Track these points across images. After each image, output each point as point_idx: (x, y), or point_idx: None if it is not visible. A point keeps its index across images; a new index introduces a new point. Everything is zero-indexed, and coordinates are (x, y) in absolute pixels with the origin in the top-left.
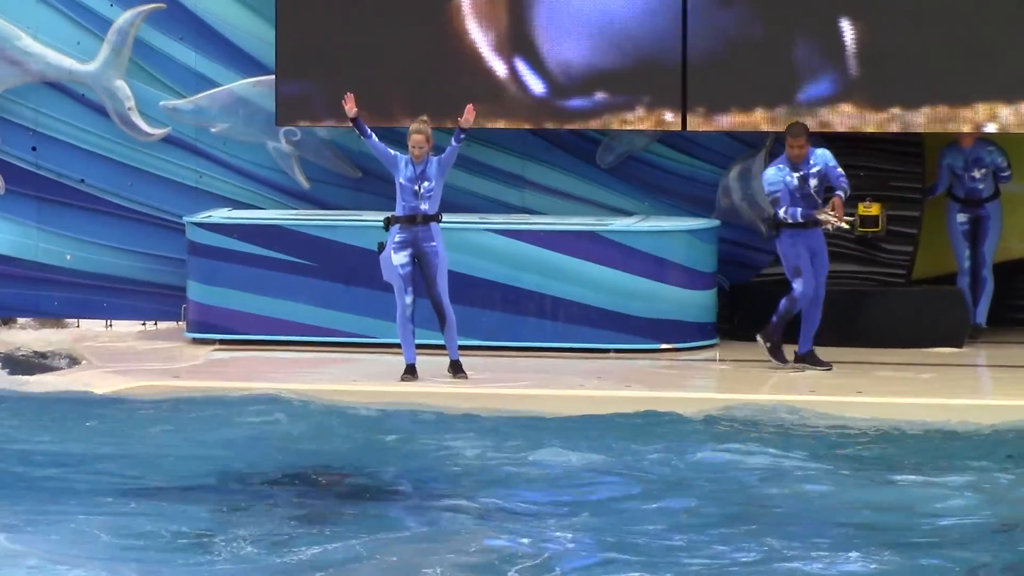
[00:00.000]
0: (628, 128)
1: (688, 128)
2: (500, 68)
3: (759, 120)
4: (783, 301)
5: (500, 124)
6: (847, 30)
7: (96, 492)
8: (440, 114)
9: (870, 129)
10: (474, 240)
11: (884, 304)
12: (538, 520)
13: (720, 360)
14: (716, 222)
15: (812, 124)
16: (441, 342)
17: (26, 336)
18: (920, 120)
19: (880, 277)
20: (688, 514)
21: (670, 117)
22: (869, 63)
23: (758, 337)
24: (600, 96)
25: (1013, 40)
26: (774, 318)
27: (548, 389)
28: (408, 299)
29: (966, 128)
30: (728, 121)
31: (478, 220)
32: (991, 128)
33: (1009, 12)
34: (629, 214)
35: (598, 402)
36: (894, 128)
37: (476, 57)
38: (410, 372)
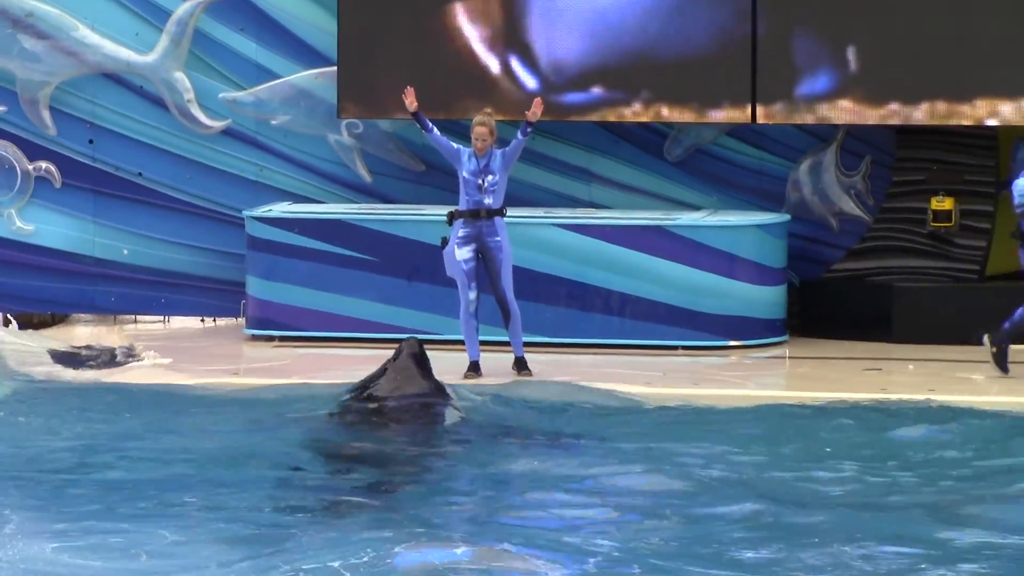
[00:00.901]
0: (696, 121)
1: (757, 121)
2: (566, 59)
3: (830, 112)
4: (1019, 310)
5: (566, 116)
6: (927, 21)
7: (150, 489)
8: (505, 107)
9: (950, 122)
10: (539, 235)
11: (956, 301)
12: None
13: (789, 357)
14: (786, 217)
15: (880, 116)
16: (505, 338)
17: (83, 332)
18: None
19: (952, 273)
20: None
21: (739, 109)
22: (951, 55)
23: (984, 338)
24: (667, 88)
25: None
26: (1007, 324)
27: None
28: (471, 295)
29: None
30: (798, 114)
31: (543, 214)
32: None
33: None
34: (697, 208)
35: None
36: (963, 121)
37: (541, 48)
38: (473, 369)
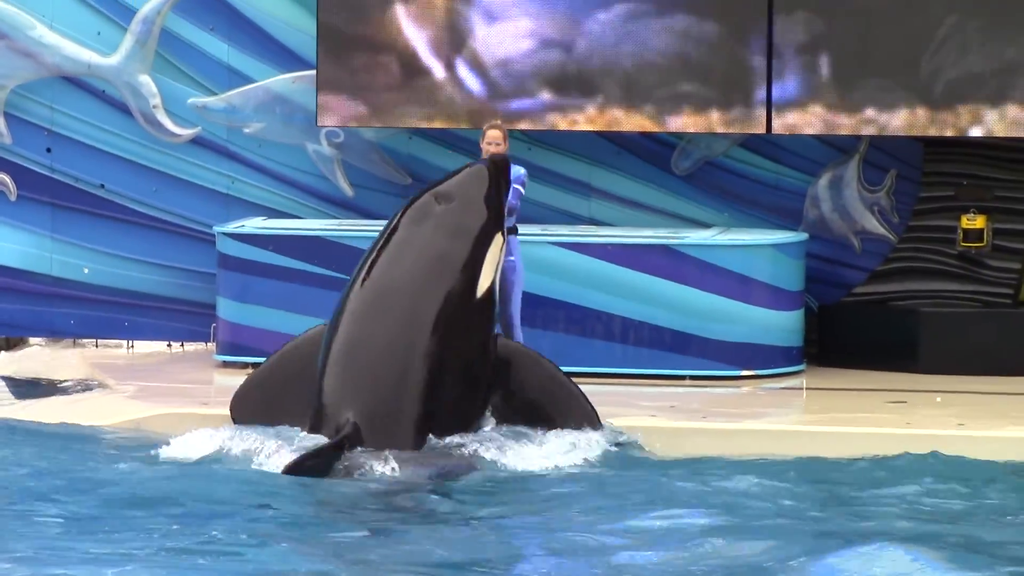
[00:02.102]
0: (707, 131)
1: (773, 131)
2: (565, 64)
3: (852, 122)
4: None
5: (564, 126)
6: (958, 26)
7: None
8: (501, 113)
9: (981, 134)
10: (535, 254)
11: (988, 327)
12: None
13: (806, 388)
14: (804, 235)
15: (905, 127)
16: None
17: (39, 358)
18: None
19: (984, 297)
20: None
21: (753, 119)
22: (983, 62)
23: None
24: (675, 95)
25: None
26: None
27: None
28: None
29: None
30: (817, 124)
31: (540, 232)
32: None
33: None
34: (707, 226)
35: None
36: (995, 132)
37: (538, 52)
38: None
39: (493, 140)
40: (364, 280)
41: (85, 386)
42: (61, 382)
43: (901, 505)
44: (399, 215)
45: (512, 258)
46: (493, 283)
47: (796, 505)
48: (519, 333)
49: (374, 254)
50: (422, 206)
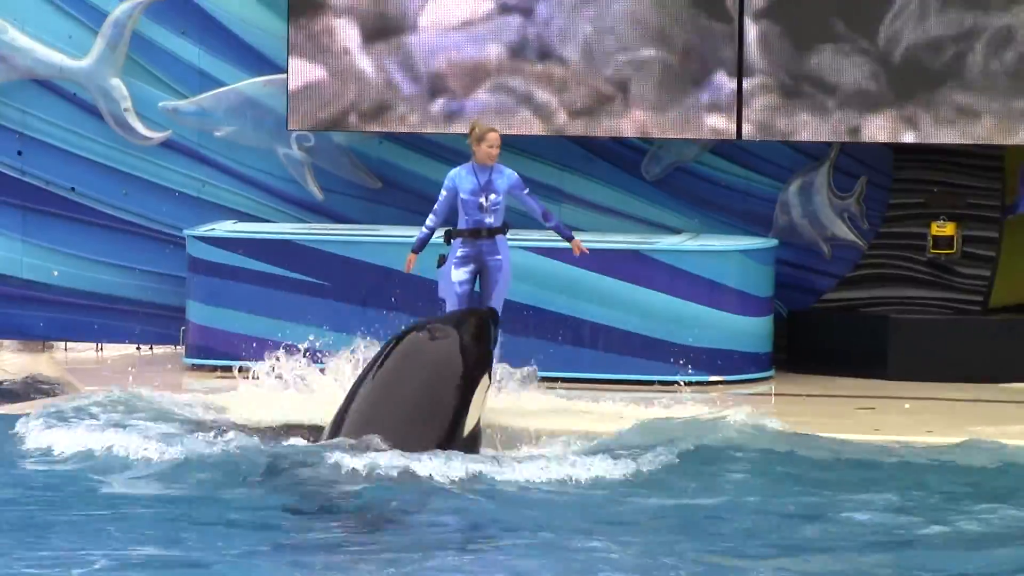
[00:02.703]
0: (677, 136)
1: (743, 137)
2: (534, 68)
3: (822, 129)
4: None
5: (534, 131)
6: (928, 32)
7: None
8: (466, 119)
9: (952, 141)
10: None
11: (958, 334)
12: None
13: (776, 394)
14: (774, 241)
15: (876, 134)
16: None
17: (7, 360)
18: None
19: (954, 304)
20: None
21: (723, 124)
22: (953, 69)
23: None
24: (645, 100)
25: None
26: None
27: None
28: None
29: None
30: (787, 130)
31: (511, 237)
32: None
33: None
34: (677, 232)
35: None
36: (964, 140)
37: (507, 55)
38: None
39: (494, 143)
40: (352, 411)
41: (55, 388)
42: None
43: (867, 510)
44: (391, 346)
45: (499, 257)
46: (478, 424)
47: (763, 505)
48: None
49: (364, 385)
50: (414, 342)
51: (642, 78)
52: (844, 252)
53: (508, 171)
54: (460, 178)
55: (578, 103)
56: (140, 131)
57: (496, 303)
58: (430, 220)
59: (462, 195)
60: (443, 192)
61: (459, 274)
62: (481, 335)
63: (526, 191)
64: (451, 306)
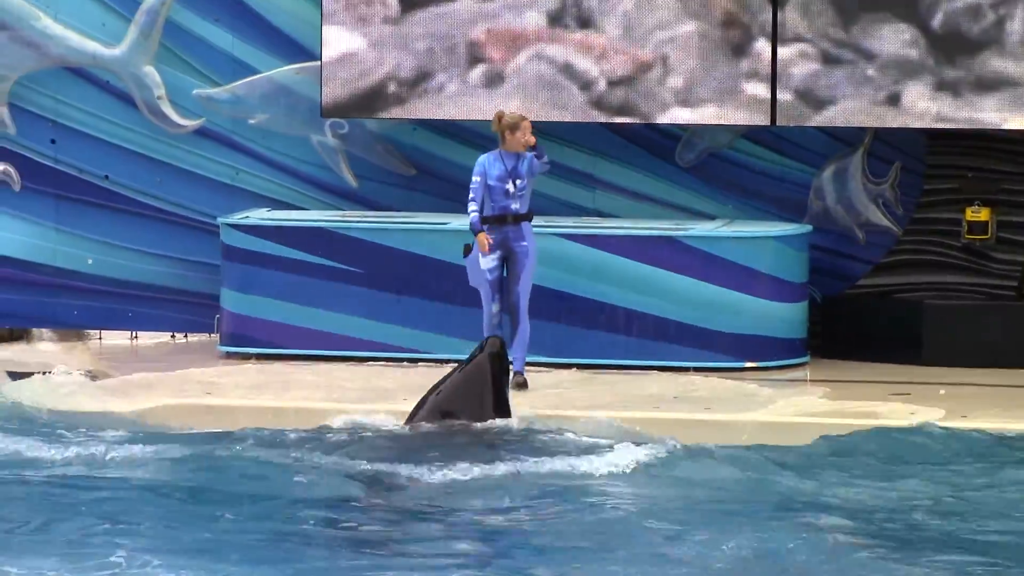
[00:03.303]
0: (711, 122)
1: (777, 122)
2: (569, 54)
3: (856, 114)
4: None
5: (568, 118)
6: (965, 17)
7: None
8: (505, 105)
9: (987, 126)
10: (540, 245)
11: (992, 320)
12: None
13: (810, 380)
14: (808, 227)
15: (913, 119)
16: None
17: (43, 349)
18: None
19: (988, 290)
20: None
21: (758, 110)
22: (989, 53)
23: None
24: (680, 87)
25: None
26: None
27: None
28: (495, 307)
29: None
30: (822, 115)
31: (544, 223)
32: None
33: None
34: (711, 218)
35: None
36: (1000, 124)
37: (541, 41)
38: None
39: (529, 130)
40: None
41: (89, 376)
42: (63, 372)
43: (901, 494)
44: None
45: (525, 243)
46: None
47: (795, 493)
48: (525, 319)
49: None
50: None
51: (678, 64)
52: (878, 238)
53: (528, 155)
54: (489, 164)
55: (611, 91)
56: (174, 119)
57: (524, 288)
58: (472, 205)
59: (490, 181)
60: (476, 178)
61: (487, 261)
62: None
63: (536, 163)
64: (485, 293)
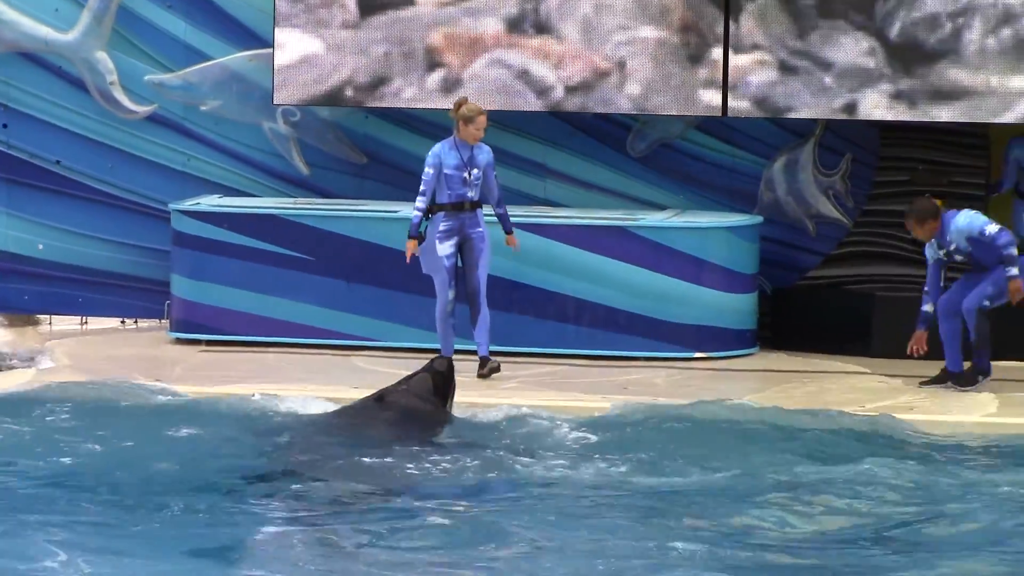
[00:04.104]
0: (662, 113)
1: (728, 114)
2: (518, 43)
3: (807, 106)
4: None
5: (519, 106)
6: (915, 9)
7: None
8: (455, 94)
9: (938, 118)
10: (491, 235)
11: None
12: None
13: (760, 370)
14: (758, 218)
15: (863, 111)
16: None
17: None
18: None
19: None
20: None
21: (709, 101)
22: (940, 45)
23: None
24: (631, 76)
25: None
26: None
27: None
28: (451, 294)
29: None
30: (773, 106)
31: (494, 212)
32: None
33: None
34: (662, 208)
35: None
36: (952, 118)
37: (492, 30)
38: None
39: (483, 127)
40: None
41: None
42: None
43: (850, 485)
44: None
45: (480, 229)
46: None
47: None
48: (485, 304)
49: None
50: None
51: (631, 54)
52: (829, 229)
53: (486, 147)
54: (444, 153)
55: (562, 80)
56: (126, 105)
57: (482, 274)
58: (420, 201)
59: (446, 170)
60: (428, 169)
61: (445, 248)
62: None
63: (495, 172)
64: (440, 280)
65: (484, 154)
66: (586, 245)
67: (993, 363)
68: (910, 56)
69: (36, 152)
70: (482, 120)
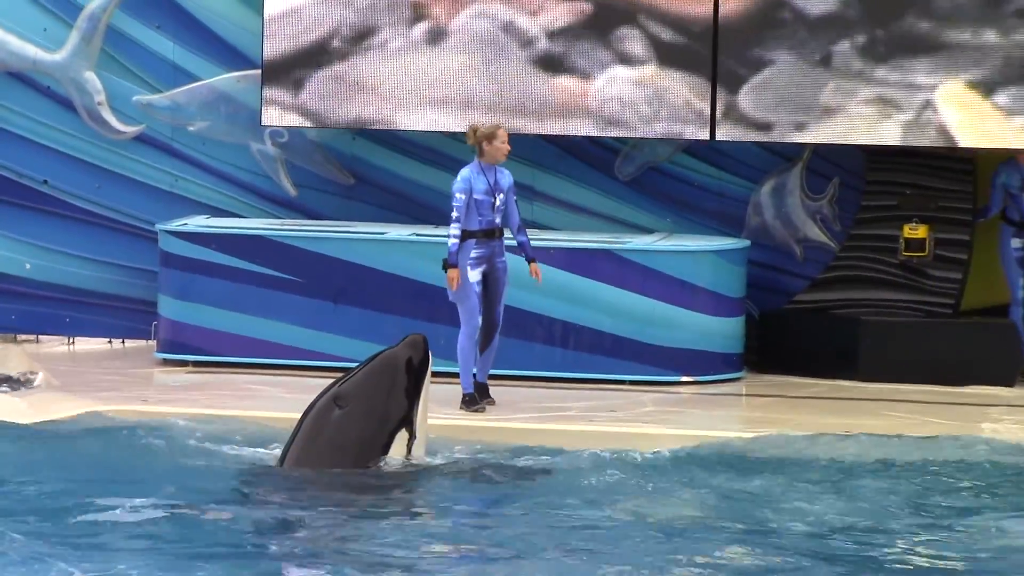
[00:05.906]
0: (651, 136)
1: (716, 137)
2: (509, 65)
3: (795, 131)
4: None
5: (509, 129)
6: (901, 35)
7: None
8: (446, 115)
9: (924, 144)
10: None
11: (929, 337)
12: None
13: (747, 394)
14: (746, 242)
15: (852, 136)
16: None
17: None
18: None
19: (925, 307)
20: None
21: (697, 125)
22: (925, 72)
23: None
24: (619, 100)
25: None
26: None
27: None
28: (479, 321)
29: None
30: (761, 131)
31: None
32: None
33: None
34: (650, 231)
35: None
36: (938, 142)
37: (483, 52)
38: (477, 397)
39: (506, 138)
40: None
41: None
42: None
43: (832, 510)
44: (301, 418)
45: (503, 259)
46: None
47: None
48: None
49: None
50: (320, 411)
51: (619, 78)
52: (816, 254)
53: (506, 171)
54: (473, 178)
55: (551, 103)
56: (114, 125)
57: (502, 308)
58: (455, 228)
59: (475, 195)
60: (460, 195)
61: (475, 275)
62: (398, 383)
63: (515, 197)
64: (469, 308)
65: (506, 178)
66: (574, 268)
67: None
68: (895, 82)
69: (24, 171)
70: (503, 133)
